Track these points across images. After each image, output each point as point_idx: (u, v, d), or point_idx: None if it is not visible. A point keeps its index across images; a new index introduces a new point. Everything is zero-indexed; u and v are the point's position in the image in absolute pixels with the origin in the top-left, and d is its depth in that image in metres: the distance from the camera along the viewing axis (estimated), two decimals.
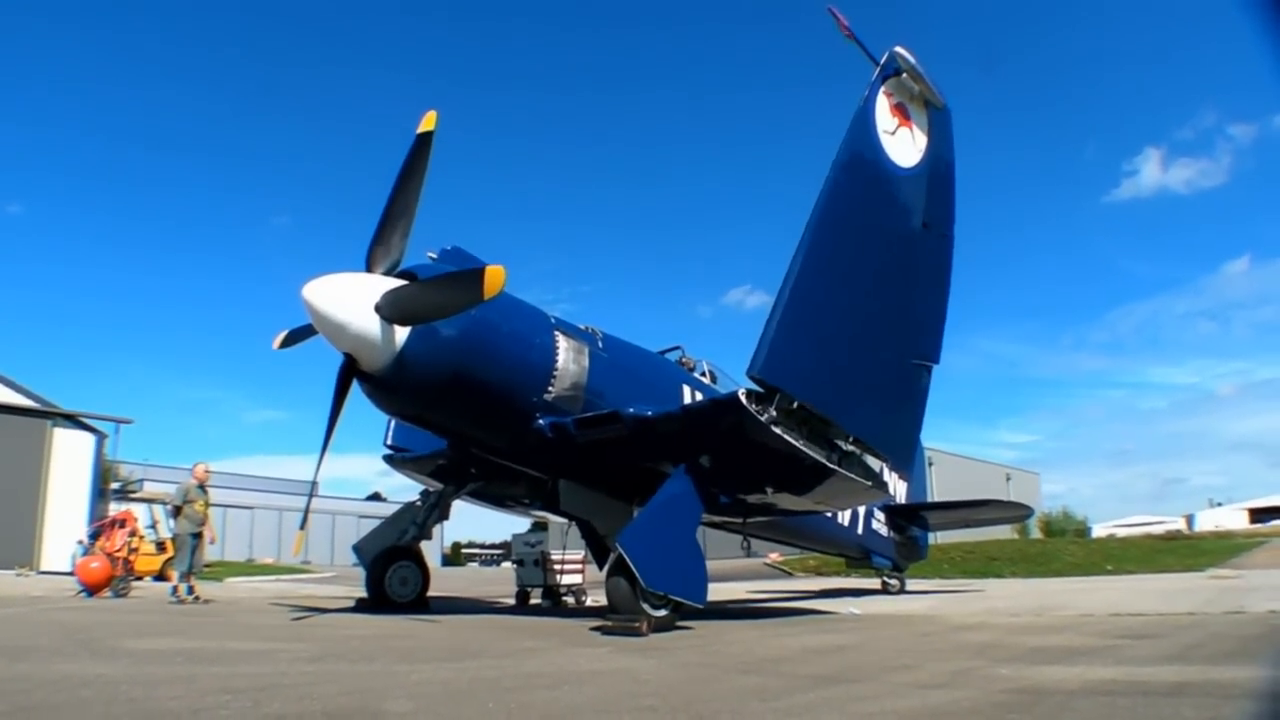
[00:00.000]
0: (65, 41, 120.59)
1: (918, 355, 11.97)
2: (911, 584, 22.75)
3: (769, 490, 12.27)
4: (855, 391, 11.41)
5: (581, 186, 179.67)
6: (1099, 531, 71.99)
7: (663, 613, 9.83)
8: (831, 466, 11.11)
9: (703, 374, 14.95)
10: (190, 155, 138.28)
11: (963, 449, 64.43)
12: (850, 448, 11.45)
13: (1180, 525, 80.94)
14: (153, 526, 30.22)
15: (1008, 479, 70.11)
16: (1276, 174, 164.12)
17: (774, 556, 39.80)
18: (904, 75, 11.50)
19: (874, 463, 11.99)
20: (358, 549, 14.56)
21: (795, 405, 10.48)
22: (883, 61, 11.30)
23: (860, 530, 19.50)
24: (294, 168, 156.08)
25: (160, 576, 27.15)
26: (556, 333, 12.01)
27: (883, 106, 11.34)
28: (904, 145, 11.63)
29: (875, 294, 11.57)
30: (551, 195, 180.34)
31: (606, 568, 10.48)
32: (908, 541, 21.86)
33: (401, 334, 10.49)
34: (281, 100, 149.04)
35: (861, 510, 19.07)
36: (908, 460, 13.10)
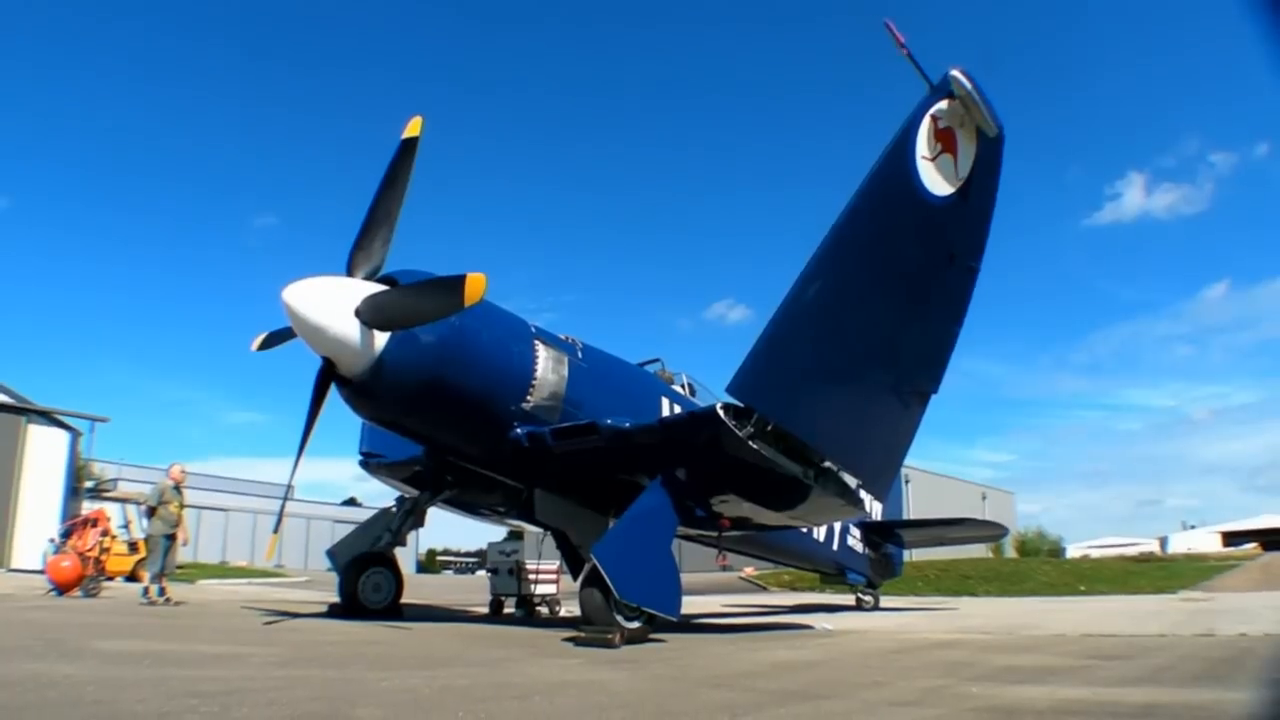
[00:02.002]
0: (44, 34, 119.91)
1: (916, 386, 11.56)
2: (885, 601, 22.81)
3: (744, 504, 12.26)
4: (839, 418, 11.21)
5: (565, 195, 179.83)
6: (1073, 552, 72.39)
7: (636, 625, 9.82)
8: (808, 483, 11.13)
9: (682, 386, 14.97)
10: (173, 151, 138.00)
11: (939, 467, 64.81)
12: (828, 465, 11.44)
13: (1153, 547, 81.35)
14: (125, 526, 29.95)
15: (983, 498, 70.48)
16: (1256, 202, 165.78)
17: (748, 571, 39.82)
18: (956, 100, 10.48)
19: (851, 479, 11.96)
20: (332, 554, 14.50)
21: (770, 427, 10.52)
22: (936, 84, 10.45)
23: (835, 546, 19.53)
24: (282, 167, 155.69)
25: (132, 577, 26.89)
26: (536, 342, 12.01)
27: (926, 130, 10.48)
28: (943, 172, 10.69)
29: (880, 322, 11.07)
30: (534, 203, 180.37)
31: (580, 578, 10.46)
32: (882, 558, 21.94)
33: (381, 339, 10.47)
34: (269, 99, 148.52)
35: (837, 526, 19.10)
36: (885, 486, 12.84)
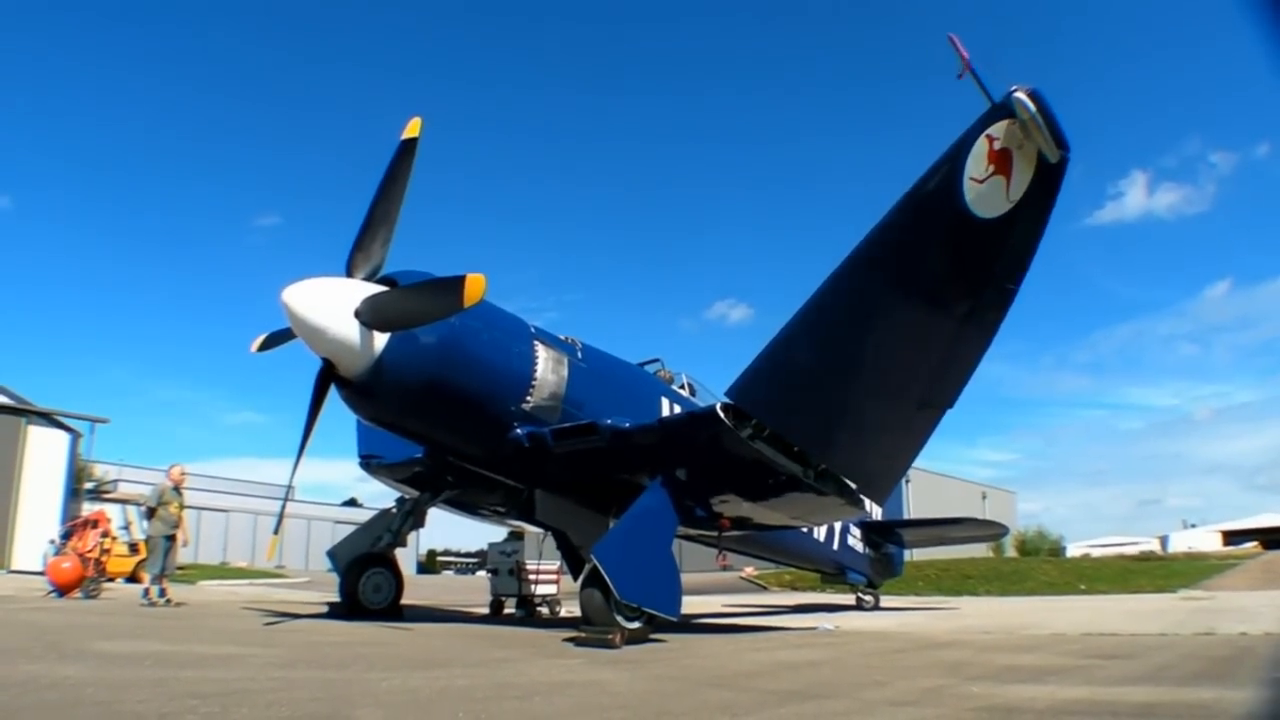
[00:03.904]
0: (45, 32, 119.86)
1: (930, 402, 10.99)
2: (886, 600, 22.84)
3: (744, 504, 12.27)
4: (842, 429, 11.12)
5: (567, 194, 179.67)
6: (1073, 551, 72.29)
7: (636, 625, 9.82)
8: (807, 482, 11.13)
9: (682, 386, 14.96)
10: (176, 150, 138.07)
11: (940, 467, 64.60)
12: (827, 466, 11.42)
13: (1154, 546, 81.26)
14: (126, 527, 29.94)
15: (984, 497, 70.45)
16: (1257, 201, 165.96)
17: (749, 571, 39.82)
18: (1017, 123, 9.12)
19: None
20: (332, 555, 14.50)
21: (768, 432, 10.52)
22: (997, 102, 9.15)
23: (836, 546, 19.54)
24: (285, 167, 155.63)
25: (132, 578, 26.91)
26: (536, 342, 12.00)
27: (980, 151, 9.35)
28: (993, 195, 9.48)
29: (900, 338, 10.53)
30: (537, 203, 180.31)
31: (581, 579, 10.46)
32: (883, 558, 21.96)
33: (380, 340, 10.44)
34: (272, 98, 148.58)
35: (838, 526, 19.10)
36: (886, 492, 12.63)
